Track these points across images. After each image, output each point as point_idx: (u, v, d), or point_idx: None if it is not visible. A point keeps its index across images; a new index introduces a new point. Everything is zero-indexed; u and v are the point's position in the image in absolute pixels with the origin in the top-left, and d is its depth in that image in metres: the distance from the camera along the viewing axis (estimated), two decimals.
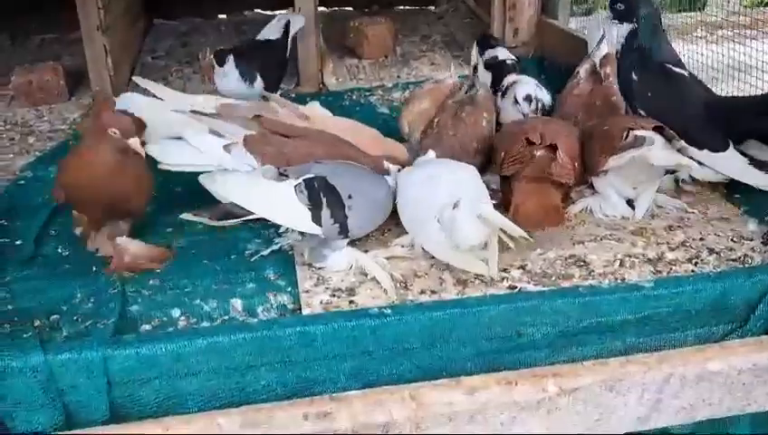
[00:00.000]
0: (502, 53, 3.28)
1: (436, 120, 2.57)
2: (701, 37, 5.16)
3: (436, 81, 2.91)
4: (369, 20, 4.71)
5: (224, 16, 5.92)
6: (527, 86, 2.85)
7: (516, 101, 2.81)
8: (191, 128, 2.39)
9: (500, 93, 2.92)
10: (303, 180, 2.05)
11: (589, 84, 2.84)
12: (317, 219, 2.03)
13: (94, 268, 2.12)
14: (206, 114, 2.46)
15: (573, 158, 2.27)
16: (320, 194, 2.04)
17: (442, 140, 2.49)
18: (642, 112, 2.48)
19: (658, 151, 2.20)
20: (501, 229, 2.00)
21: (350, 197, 2.06)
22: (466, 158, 2.40)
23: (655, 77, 2.50)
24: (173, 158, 2.31)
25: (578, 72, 2.91)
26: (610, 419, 1.89)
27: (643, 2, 2.51)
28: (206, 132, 2.36)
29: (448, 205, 2.01)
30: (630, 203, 2.37)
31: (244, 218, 2.02)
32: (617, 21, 2.56)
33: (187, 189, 2.45)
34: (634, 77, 2.51)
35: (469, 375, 1.83)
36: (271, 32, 3.63)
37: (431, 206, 2.07)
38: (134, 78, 3.13)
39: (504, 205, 2.28)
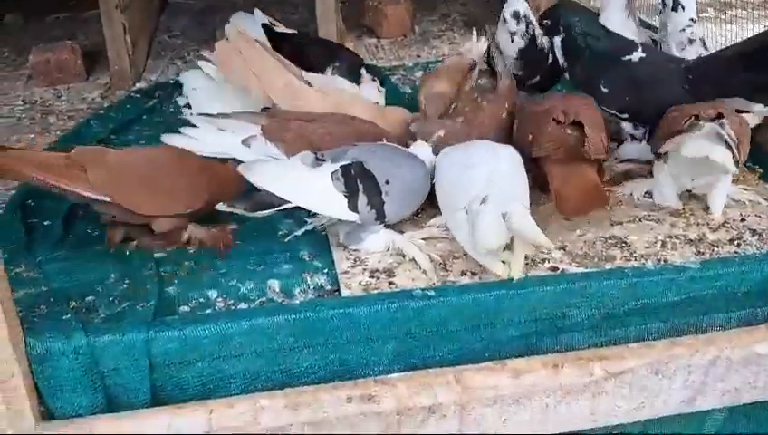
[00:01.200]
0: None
1: (453, 105, 2.48)
2: (714, 17, 5.10)
3: (458, 53, 2.76)
4: None
5: None
6: (516, 2, 2.63)
7: (504, 20, 2.64)
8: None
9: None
10: (340, 167, 2.01)
11: None
12: (353, 206, 1.98)
13: (128, 252, 2.08)
14: (214, 115, 2.44)
15: (600, 130, 2.17)
16: (356, 181, 2.00)
17: (458, 128, 2.39)
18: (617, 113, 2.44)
19: (690, 141, 2.03)
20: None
21: (387, 182, 2.02)
22: None
23: (613, 74, 2.42)
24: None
25: None
26: (655, 402, 1.87)
27: (564, 13, 2.48)
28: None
29: (477, 198, 1.93)
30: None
31: (280, 208, 1.98)
32: (548, 37, 2.55)
33: None
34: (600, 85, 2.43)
35: (512, 358, 1.81)
36: None
37: (463, 195, 1.99)
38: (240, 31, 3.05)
39: (537, 187, 2.21)
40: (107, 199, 1.98)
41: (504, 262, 1.91)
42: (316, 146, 2.17)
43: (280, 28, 3.35)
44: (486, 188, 1.96)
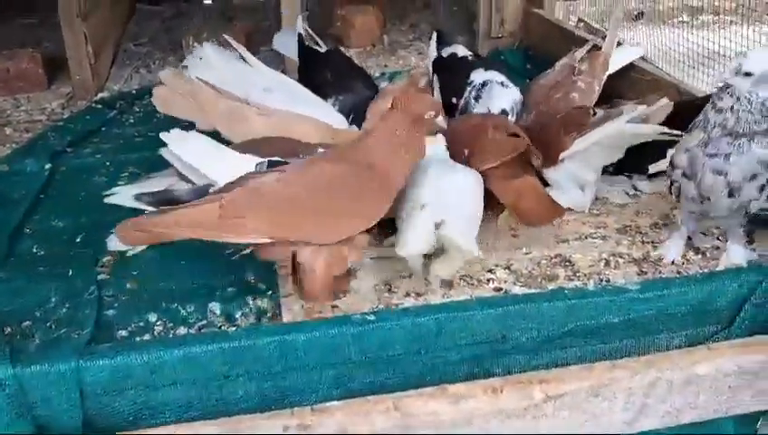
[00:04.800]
0: (460, 51, 3.11)
1: None
2: (685, 22, 5.14)
3: (411, 76, 2.82)
4: (356, 8, 4.65)
5: (209, 1, 5.84)
6: (501, 99, 2.70)
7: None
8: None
9: (471, 93, 2.79)
10: (268, 161, 2.00)
11: (558, 76, 2.81)
12: None
13: (71, 271, 2.06)
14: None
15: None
16: None
17: None
18: None
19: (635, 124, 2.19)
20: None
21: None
22: None
23: None
24: None
25: (555, 65, 2.89)
26: (596, 424, 1.87)
27: None
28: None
29: (418, 204, 1.95)
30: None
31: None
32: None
33: None
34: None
35: (454, 382, 1.80)
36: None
37: (409, 203, 2.00)
38: (225, 36, 3.08)
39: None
40: (270, 240, 1.80)
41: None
42: None
43: (312, 43, 3.26)
44: (431, 198, 1.97)
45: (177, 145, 2.04)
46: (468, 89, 2.79)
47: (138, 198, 2.01)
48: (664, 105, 2.21)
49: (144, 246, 2.13)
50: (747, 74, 1.83)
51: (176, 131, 2.07)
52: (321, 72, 3.10)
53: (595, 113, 2.27)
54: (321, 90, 2.93)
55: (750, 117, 1.85)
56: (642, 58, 3.18)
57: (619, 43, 3.09)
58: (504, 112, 2.64)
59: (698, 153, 1.92)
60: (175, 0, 5.66)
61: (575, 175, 2.29)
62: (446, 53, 3.06)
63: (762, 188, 1.91)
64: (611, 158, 2.33)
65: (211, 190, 1.90)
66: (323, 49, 3.23)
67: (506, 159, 2.18)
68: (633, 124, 2.20)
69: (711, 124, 1.90)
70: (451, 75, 2.94)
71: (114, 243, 2.14)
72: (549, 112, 2.59)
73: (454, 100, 2.81)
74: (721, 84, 1.89)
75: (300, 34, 3.22)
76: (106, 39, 4.17)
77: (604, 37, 3.12)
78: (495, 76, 2.78)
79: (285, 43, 3.37)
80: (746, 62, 1.83)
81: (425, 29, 4.73)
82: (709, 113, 1.91)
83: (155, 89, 2.64)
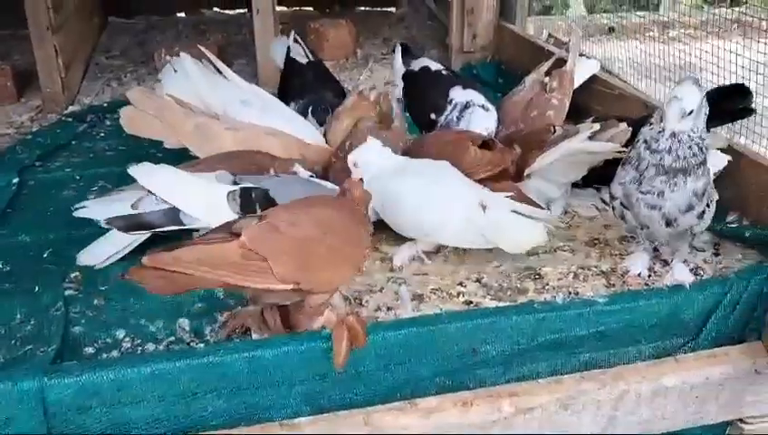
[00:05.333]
0: (432, 64, 3.09)
1: (348, 143, 2.49)
2: (654, 37, 5.22)
3: (359, 93, 2.78)
4: (330, 21, 4.66)
5: (182, 15, 5.82)
6: (482, 124, 2.71)
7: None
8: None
9: (453, 113, 2.79)
10: (240, 189, 1.99)
11: (529, 94, 2.85)
12: None
13: (37, 287, 2.04)
14: None
15: None
16: (255, 205, 1.98)
17: None
18: None
19: (593, 141, 2.22)
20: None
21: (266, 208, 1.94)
22: None
23: None
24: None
25: (524, 81, 2.92)
26: None
27: None
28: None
29: (472, 205, 2.08)
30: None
31: (158, 230, 1.95)
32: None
33: None
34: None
35: (425, 396, 1.81)
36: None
37: (449, 206, 2.11)
38: (200, 47, 3.05)
39: None
40: (290, 288, 1.69)
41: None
42: None
43: (301, 56, 3.29)
44: (468, 193, 2.11)
45: (146, 179, 2.01)
46: (449, 108, 2.80)
47: (109, 222, 2.00)
48: (623, 129, 2.25)
49: (113, 260, 2.13)
50: (690, 113, 1.84)
51: (144, 165, 2.04)
52: (294, 80, 3.17)
53: (555, 131, 2.31)
54: (287, 95, 2.99)
55: (689, 151, 1.87)
56: (610, 72, 3.22)
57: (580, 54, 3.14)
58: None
59: (632, 189, 1.95)
60: (147, 13, 5.64)
61: (540, 191, 2.32)
62: (416, 66, 3.06)
63: (701, 215, 1.94)
64: (575, 174, 2.36)
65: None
66: (305, 60, 3.27)
67: (489, 174, 2.25)
68: (589, 143, 2.22)
69: (645, 164, 1.91)
70: (427, 90, 2.94)
71: (84, 258, 2.14)
72: (520, 130, 2.62)
73: (433, 116, 2.82)
74: (660, 130, 1.89)
75: (288, 46, 3.28)
76: (77, 52, 4.14)
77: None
78: (476, 98, 2.79)
79: (277, 52, 3.42)
80: (686, 102, 1.84)
81: (398, 43, 4.74)
82: (643, 153, 1.92)
83: (122, 110, 2.62)
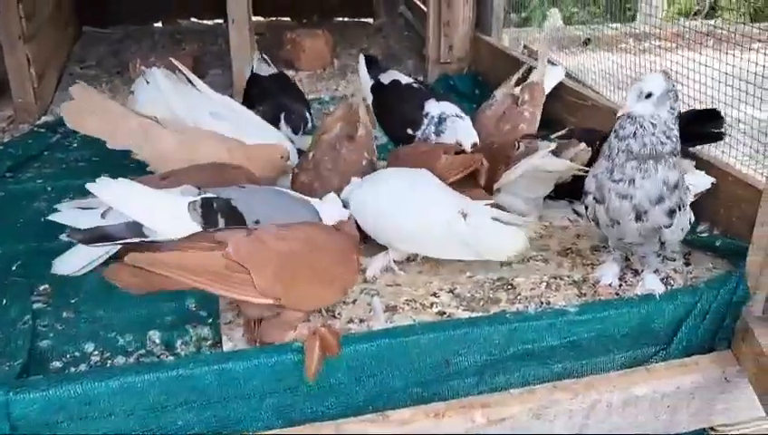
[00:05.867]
0: (403, 78, 3.07)
1: (311, 154, 2.49)
2: (628, 50, 5.27)
3: (349, 103, 2.77)
4: (306, 32, 4.67)
5: (158, 25, 5.80)
6: (470, 132, 2.70)
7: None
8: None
9: (430, 127, 2.78)
10: (201, 199, 1.98)
11: (501, 107, 2.86)
12: None
13: (5, 300, 2.01)
14: None
15: None
16: (217, 215, 1.95)
17: (321, 176, 2.42)
18: None
19: (552, 158, 2.25)
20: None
21: (257, 222, 1.96)
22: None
23: None
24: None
25: (494, 95, 2.94)
26: None
27: None
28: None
29: (451, 214, 2.09)
30: None
31: (121, 242, 1.91)
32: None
33: None
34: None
35: (398, 408, 1.80)
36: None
37: (426, 214, 2.11)
38: (171, 59, 3.03)
39: None
40: (272, 302, 1.70)
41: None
42: None
43: (264, 71, 3.35)
44: (446, 201, 2.12)
45: (105, 194, 1.98)
46: (426, 121, 2.79)
47: (70, 235, 1.97)
48: (583, 149, 2.28)
49: (88, 269, 2.10)
50: (648, 96, 1.87)
51: (102, 180, 2.01)
52: (257, 89, 3.23)
53: (518, 147, 2.34)
54: (250, 103, 3.06)
55: (654, 139, 1.89)
56: (583, 83, 3.25)
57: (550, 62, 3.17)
58: (474, 145, 2.63)
59: (604, 179, 1.97)
60: (123, 23, 5.61)
61: (509, 205, 2.33)
62: (386, 79, 3.04)
63: (671, 213, 1.95)
64: (542, 190, 2.38)
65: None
66: (268, 73, 3.30)
67: (460, 175, 2.28)
68: (548, 160, 2.25)
69: (615, 151, 1.94)
70: (400, 104, 2.91)
71: (59, 267, 2.11)
72: (491, 144, 2.63)
73: (410, 131, 2.81)
74: (620, 114, 1.93)
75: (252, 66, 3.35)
76: (50, 62, 4.11)
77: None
78: (450, 109, 2.78)
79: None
80: (645, 84, 1.89)
81: (375, 54, 4.75)
82: (612, 141, 1.95)
83: (63, 104, 2.61)
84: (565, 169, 2.26)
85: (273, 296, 1.68)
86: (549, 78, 3.08)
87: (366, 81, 3.09)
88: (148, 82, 2.83)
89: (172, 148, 2.49)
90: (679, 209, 1.96)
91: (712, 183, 2.28)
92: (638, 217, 1.95)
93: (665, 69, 1.95)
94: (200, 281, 1.62)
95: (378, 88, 3.03)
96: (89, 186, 1.99)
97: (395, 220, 2.15)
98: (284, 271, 1.70)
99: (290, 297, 1.71)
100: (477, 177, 2.33)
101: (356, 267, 1.88)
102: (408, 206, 2.14)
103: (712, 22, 4.39)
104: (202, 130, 2.58)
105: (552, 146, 2.27)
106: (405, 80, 3.03)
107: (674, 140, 1.91)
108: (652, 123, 1.89)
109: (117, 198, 1.96)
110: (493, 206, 2.17)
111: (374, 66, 3.15)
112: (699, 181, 2.26)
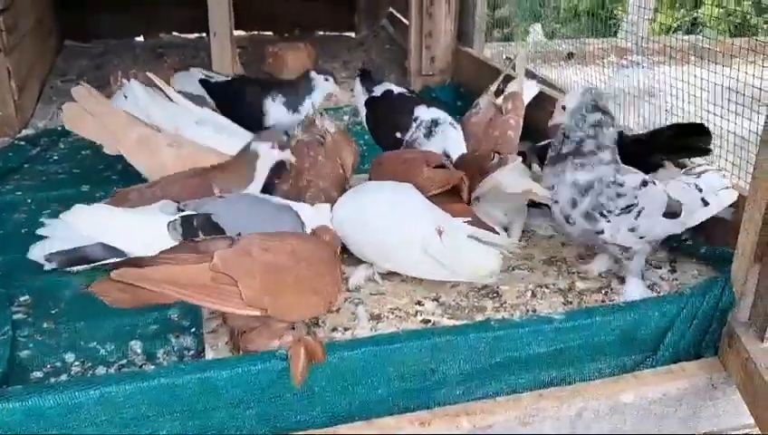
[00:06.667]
0: (395, 88, 3.07)
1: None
2: (614, 63, 5.30)
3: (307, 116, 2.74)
4: (289, 45, 4.66)
5: (140, 39, 5.78)
6: (459, 142, 2.73)
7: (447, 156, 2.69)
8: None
9: (419, 130, 2.78)
10: (180, 217, 1.97)
11: (488, 114, 2.87)
12: None
13: None
14: None
15: None
16: (198, 232, 1.94)
17: (301, 185, 2.42)
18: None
19: (508, 177, 2.24)
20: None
21: (239, 235, 1.91)
22: (329, 199, 2.33)
23: None
24: None
25: (478, 103, 2.94)
26: None
27: None
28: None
29: (427, 232, 2.05)
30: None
31: (98, 263, 1.91)
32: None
33: None
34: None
35: (383, 416, 1.78)
36: None
37: (409, 233, 2.08)
38: (148, 74, 3.00)
39: None
40: (258, 313, 1.70)
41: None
42: None
43: (216, 78, 3.35)
44: (424, 219, 2.09)
45: (82, 224, 1.96)
46: (415, 125, 2.79)
47: (48, 259, 1.95)
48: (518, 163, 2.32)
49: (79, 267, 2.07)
50: (563, 108, 2.08)
51: (76, 208, 1.99)
52: (245, 87, 3.26)
53: (494, 158, 2.35)
54: (253, 100, 3.12)
55: (563, 147, 2.05)
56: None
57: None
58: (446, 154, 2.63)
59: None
60: (104, 37, 5.59)
61: (490, 215, 2.31)
62: (378, 91, 3.04)
63: (587, 216, 2.03)
64: (517, 200, 2.34)
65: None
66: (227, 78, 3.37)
67: (440, 190, 2.26)
68: (506, 181, 2.24)
69: (545, 163, 2.13)
70: (392, 111, 2.93)
71: (35, 251, 2.08)
72: (473, 152, 2.64)
73: (398, 135, 2.82)
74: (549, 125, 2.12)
75: (201, 79, 3.31)
76: (31, 74, 4.07)
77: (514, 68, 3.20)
78: (442, 115, 2.78)
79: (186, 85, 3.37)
80: (565, 101, 2.10)
81: (357, 66, 4.76)
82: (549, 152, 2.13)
83: (65, 105, 2.59)
84: (522, 192, 2.21)
85: (260, 307, 1.68)
86: (526, 90, 3.09)
87: (359, 95, 3.10)
88: (126, 97, 2.82)
89: (170, 161, 2.47)
90: (606, 213, 2.02)
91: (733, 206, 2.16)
92: (567, 221, 2.07)
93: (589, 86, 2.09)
94: (187, 294, 1.61)
95: (371, 101, 3.04)
96: (62, 216, 1.96)
97: (373, 238, 2.13)
98: (271, 282, 1.70)
99: (276, 308, 1.71)
100: (460, 192, 2.31)
101: (340, 279, 1.88)
102: (386, 224, 2.11)
103: (692, 37, 4.44)
104: (201, 147, 2.55)
105: (515, 164, 2.28)
106: (397, 89, 3.03)
107: (585, 148, 2.03)
108: (563, 133, 2.06)
109: (93, 226, 1.93)
110: (472, 222, 2.12)
111: (369, 80, 3.15)
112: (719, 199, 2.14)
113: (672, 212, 2.05)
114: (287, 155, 2.38)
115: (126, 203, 2.16)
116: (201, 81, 3.28)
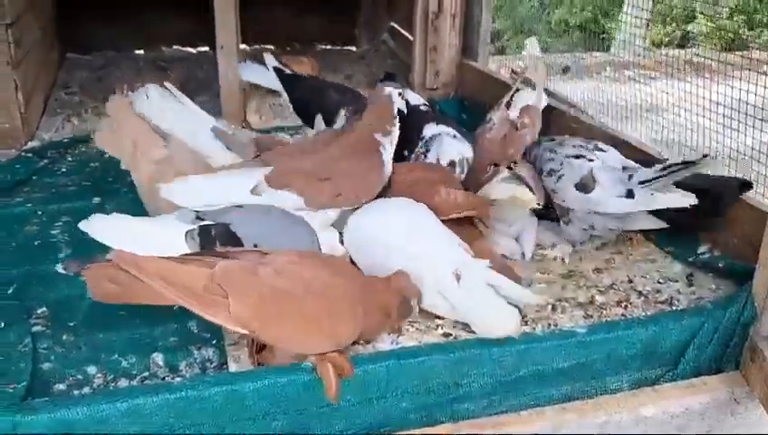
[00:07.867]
0: (413, 98, 3.05)
1: None
2: (609, 77, 5.35)
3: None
4: (292, 58, 4.65)
5: (141, 52, 5.78)
6: (451, 150, 2.67)
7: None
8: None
9: (422, 145, 2.77)
10: (198, 227, 1.95)
11: (502, 130, 2.86)
12: None
13: (3, 323, 1.96)
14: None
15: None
16: (216, 243, 1.93)
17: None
18: None
19: (496, 186, 2.25)
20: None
21: (255, 247, 1.92)
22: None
23: None
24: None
25: (491, 118, 2.93)
26: None
27: None
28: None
29: (448, 276, 1.96)
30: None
31: None
32: None
33: None
34: None
35: (406, 429, 1.78)
36: None
37: (425, 272, 1.97)
38: (166, 84, 2.92)
39: None
40: (245, 332, 1.67)
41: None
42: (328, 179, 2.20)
43: (289, 70, 3.46)
44: (444, 257, 1.99)
45: (100, 234, 1.92)
46: (420, 144, 2.76)
47: (65, 267, 1.89)
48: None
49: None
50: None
51: (95, 218, 1.95)
52: (324, 90, 3.33)
53: (489, 171, 2.36)
54: (330, 104, 3.15)
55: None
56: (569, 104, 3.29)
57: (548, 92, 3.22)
58: (451, 164, 2.61)
59: None
60: (105, 50, 5.58)
61: (493, 227, 2.31)
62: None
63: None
64: (517, 212, 2.32)
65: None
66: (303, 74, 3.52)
67: (458, 215, 2.21)
68: (494, 188, 2.25)
69: None
70: (403, 126, 2.86)
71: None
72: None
73: (405, 153, 2.78)
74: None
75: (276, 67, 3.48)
76: (36, 87, 4.06)
77: (524, 81, 3.20)
78: (446, 130, 2.76)
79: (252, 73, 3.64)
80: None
81: (360, 79, 4.78)
82: None
83: (100, 123, 2.58)
84: (508, 198, 2.20)
85: (247, 328, 1.64)
86: (539, 102, 3.10)
87: None
88: (147, 97, 2.80)
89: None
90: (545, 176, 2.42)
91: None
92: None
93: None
94: (177, 294, 1.60)
95: None
96: (81, 225, 1.94)
97: (383, 268, 1.99)
98: (267, 307, 1.65)
99: (268, 336, 1.69)
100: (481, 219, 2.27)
101: (355, 320, 1.76)
102: (399, 260, 1.99)
103: (683, 51, 4.49)
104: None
105: (503, 174, 2.29)
106: (414, 100, 3.00)
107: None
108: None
109: (111, 236, 1.91)
110: (494, 266, 2.00)
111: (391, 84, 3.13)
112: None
113: (583, 185, 2.27)
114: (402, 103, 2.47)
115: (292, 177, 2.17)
116: (275, 68, 3.47)
